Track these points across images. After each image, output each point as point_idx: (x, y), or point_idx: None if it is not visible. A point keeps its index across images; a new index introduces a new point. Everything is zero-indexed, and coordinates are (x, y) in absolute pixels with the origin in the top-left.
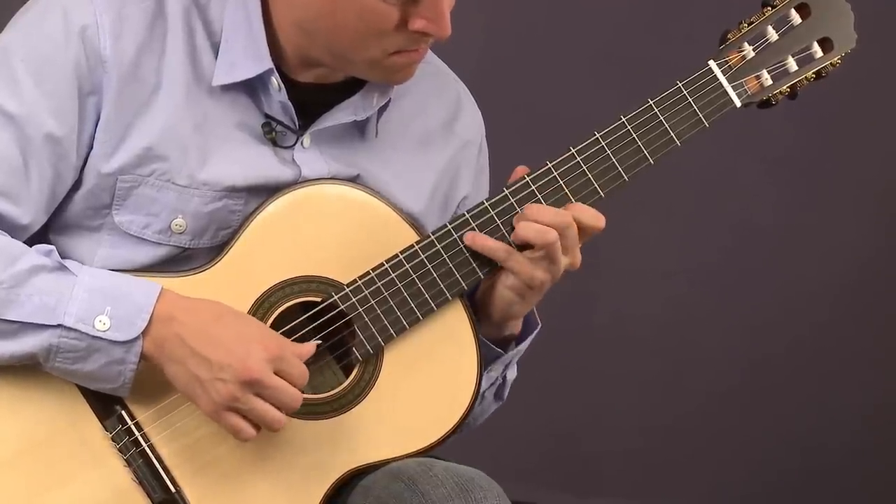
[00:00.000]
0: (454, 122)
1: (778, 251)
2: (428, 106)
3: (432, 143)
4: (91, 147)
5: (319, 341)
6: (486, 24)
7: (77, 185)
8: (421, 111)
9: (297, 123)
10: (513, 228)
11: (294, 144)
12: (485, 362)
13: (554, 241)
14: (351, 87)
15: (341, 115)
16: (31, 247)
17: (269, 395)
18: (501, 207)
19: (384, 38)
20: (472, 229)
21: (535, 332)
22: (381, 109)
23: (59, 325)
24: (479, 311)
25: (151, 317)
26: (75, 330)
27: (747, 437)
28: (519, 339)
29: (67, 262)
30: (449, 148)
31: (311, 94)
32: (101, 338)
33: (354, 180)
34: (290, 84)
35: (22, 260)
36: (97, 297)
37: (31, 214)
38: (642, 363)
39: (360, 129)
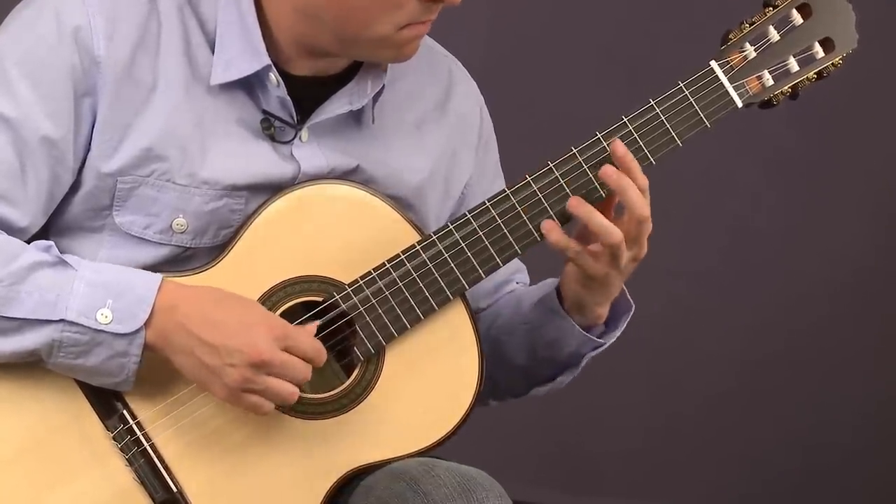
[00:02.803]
0: (447, 102)
1: (778, 251)
2: (422, 87)
3: (428, 126)
4: (88, 149)
5: (319, 321)
6: (488, 24)
7: (76, 186)
8: (415, 93)
9: (294, 118)
10: (513, 229)
11: (292, 139)
12: (585, 352)
13: (619, 243)
14: (344, 78)
15: (337, 105)
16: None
17: (280, 373)
18: (503, 208)
19: (397, 11)
20: (474, 229)
21: (629, 315)
22: (376, 96)
23: (61, 320)
24: (560, 302)
25: (153, 308)
26: (77, 324)
27: (747, 437)
28: (610, 323)
29: (67, 257)
30: (444, 129)
31: (305, 89)
32: (103, 331)
33: (354, 171)
34: (285, 78)
35: (21, 257)
36: (98, 290)
37: (28, 217)
38: (642, 363)
39: (356, 119)
